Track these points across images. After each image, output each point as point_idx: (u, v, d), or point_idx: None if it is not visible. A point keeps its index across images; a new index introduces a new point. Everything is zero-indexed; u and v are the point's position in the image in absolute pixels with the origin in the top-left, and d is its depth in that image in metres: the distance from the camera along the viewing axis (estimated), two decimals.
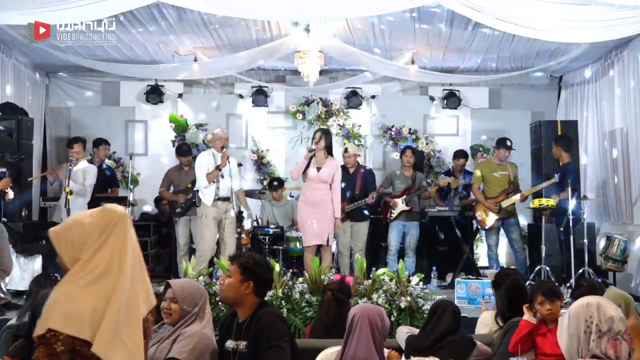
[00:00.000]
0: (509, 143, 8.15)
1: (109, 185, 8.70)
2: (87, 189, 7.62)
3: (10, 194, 6.55)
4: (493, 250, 8.17)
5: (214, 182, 7.15)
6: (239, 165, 8.00)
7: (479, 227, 8.31)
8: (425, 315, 4.92)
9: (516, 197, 7.94)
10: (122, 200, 8.43)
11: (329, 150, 7.04)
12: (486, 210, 7.99)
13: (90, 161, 8.66)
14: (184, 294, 3.61)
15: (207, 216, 7.23)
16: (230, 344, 3.46)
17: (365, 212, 7.83)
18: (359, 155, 8.26)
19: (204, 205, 7.24)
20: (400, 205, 8.03)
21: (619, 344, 2.37)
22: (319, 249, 7.01)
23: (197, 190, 7.33)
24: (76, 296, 2.18)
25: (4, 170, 6.50)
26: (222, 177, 7.17)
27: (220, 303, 5.59)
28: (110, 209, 2.33)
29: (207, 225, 7.23)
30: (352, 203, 7.62)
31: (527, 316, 3.83)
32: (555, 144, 7.99)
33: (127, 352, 2.23)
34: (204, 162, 7.24)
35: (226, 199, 7.23)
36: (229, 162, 7.21)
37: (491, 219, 7.98)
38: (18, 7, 5.95)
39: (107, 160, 9.20)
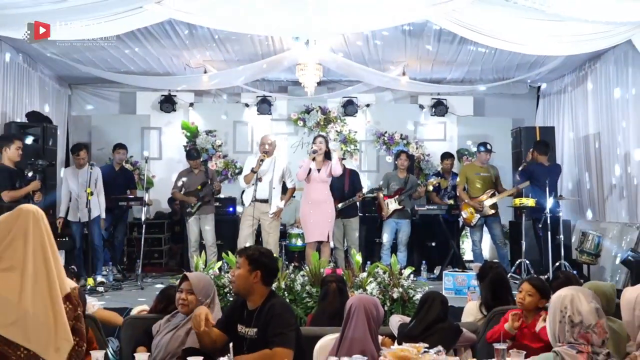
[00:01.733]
0: (489, 147, 8.17)
1: (127, 187, 8.66)
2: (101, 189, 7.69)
3: (39, 195, 6.56)
4: (477, 246, 8.16)
5: (252, 184, 7.01)
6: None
7: (465, 224, 8.30)
8: (415, 305, 4.89)
9: (498, 197, 7.96)
10: (139, 200, 8.48)
11: (326, 154, 7.07)
12: (471, 208, 7.98)
13: (110, 164, 8.67)
14: (200, 286, 3.63)
15: (244, 215, 7.21)
16: (240, 329, 3.46)
17: (355, 209, 7.86)
18: (344, 158, 8.28)
19: (245, 206, 7.24)
20: (393, 204, 8.02)
21: (590, 336, 2.35)
22: (319, 245, 7.02)
23: (243, 191, 7.33)
24: None
25: (34, 174, 6.50)
26: (260, 180, 6.99)
27: (227, 294, 5.59)
28: (19, 210, 2.34)
29: (242, 224, 7.20)
30: (342, 201, 7.62)
31: (507, 325, 3.76)
32: (533, 149, 7.99)
33: (46, 336, 2.26)
34: (248, 165, 7.20)
35: (264, 201, 7.10)
36: (273, 167, 7.07)
37: (475, 217, 7.98)
38: (23, 21, 5.90)
39: (125, 164, 9.20)
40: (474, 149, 9.81)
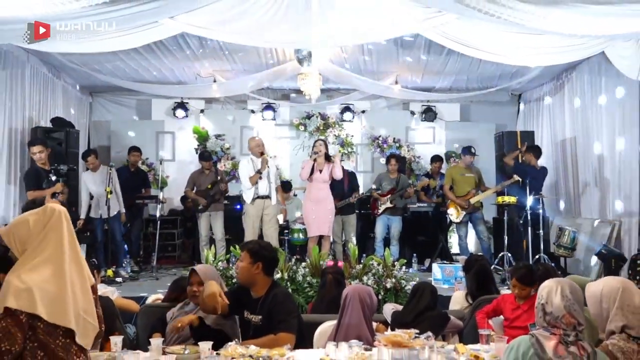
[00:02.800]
0: (472, 150, 8.17)
1: (142, 186, 8.66)
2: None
3: (63, 197, 6.60)
4: (463, 240, 8.15)
5: (255, 183, 7.09)
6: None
7: (451, 220, 8.30)
8: (407, 294, 4.90)
9: (482, 195, 7.96)
10: (154, 199, 8.47)
11: (326, 156, 7.10)
12: (457, 206, 7.98)
13: (126, 165, 8.65)
14: (207, 275, 3.64)
15: (247, 213, 7.22)
16: (247, 315, 3.47)
17: (352, 207, 7.88)
18: (342, 160, 8.31)
19: (246, 204, 7.24)
20: (385, 202, 8.02)
21: (559, 324, 2.37)
22: (320, 239, 7.03)
23: (242, 192, 7.33)
24: (26, 279, 2.22)
25: (57, 177, 6.52)
26: (261, 178, 7.10)
27: (235, 285, 5.59)
28: (50, 208, 2.39)
29: (246, 221, 7.22)
30: (342, 200, 7.62)
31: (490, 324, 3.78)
32: (526, 152, 7.93)
33: (83, 321, 2.31)
34: (246, 168, 7.21)
35: (265, 197, 7.15)
36: (268, 165, 7.13)
37: (461, 214, 7.98)
38: (60, 37, 5.88)
39: (141, 165, 9.19)
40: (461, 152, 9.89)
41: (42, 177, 6.58)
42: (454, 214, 8.02)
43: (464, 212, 7.94)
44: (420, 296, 3.84)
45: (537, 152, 7.87)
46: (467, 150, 8.18)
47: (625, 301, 2.51)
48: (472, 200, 7.91)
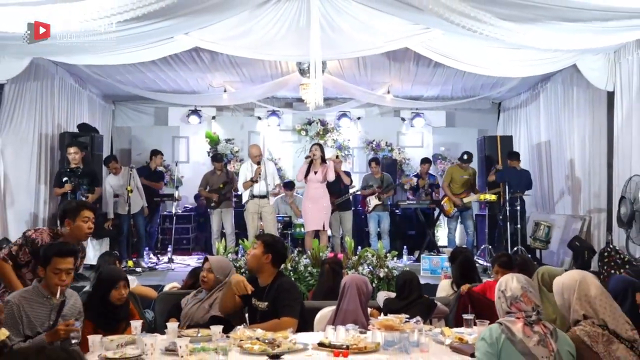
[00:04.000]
0: (465, 157, 8.15)
1: (159, 181, 8.67)
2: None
3: (92, 198, 6.70)
4: (452, 233, 8.17)
5: (250, 187, 7.13)
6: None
7: (444, 214, 8.29)
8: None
9: (474, 197, 8.00)
10: (170, 197, 8.47)
11: (322, 158, 7.09)
12: (451, 203, 8.00)
13: (146, 166, 8.63)
14: (217, 267, 3.64)
15: (247, 210, 7.24)
16: (254, 302, 3.47)
17: (349, 204, 7.88)
18: (342, 161, 8.31)
19: (245, 202, 7.28)
20: (374, 200, 8.04)
21: (520, 304, 2.42)
22: (317, 233, 7.03)
23: (241, 193, 7.38)
24: None
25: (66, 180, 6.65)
26: (257, 181, 7.10)
27: (244, 274, 5.60)
28: None
29: (247, 217, 7.25)
30: (339, 197, 7.62)
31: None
32: (509, 159, 7.84)
33: None
34: (243, 173, 7.26)
35: (262, 197, 7.16)
36: (260, 174, 7.09)
37: (453, 210, 8.02)
38: (86, 50, 5.89)
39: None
40: (447, 154, 10.01)
41: (66, 175, 6.71)
42: (447, 208, 8.03)
43: (456, 209, 7.98)
44: (410, 286, 3.84)
45: (516, 156, 7.86)
46: (467, 155, 8.19)
47: (582, 292, 2.52)
48: (465, 200, 7.96)
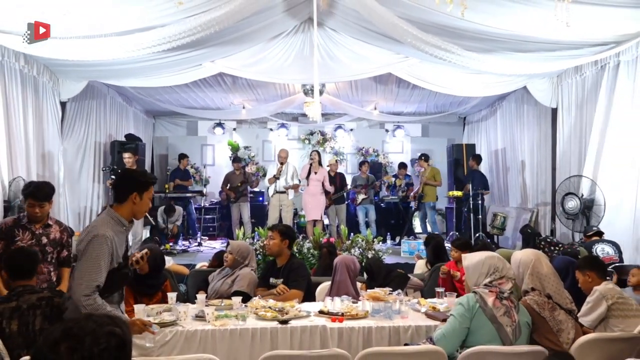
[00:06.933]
0: (422, 157, 8.22)
1: (187, 179, 8.66)
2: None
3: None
4: (423, 222, 8.15)
5: (274, 184, 7.13)
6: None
7: (420, 203, 8.25)
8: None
9: (453, 192, 7.97)
10: (199, 193, 8.46)
11: (319, 162, 7.23)
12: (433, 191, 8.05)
13: (178, 168, 8.59)
14: (236, 249, 3.62)
15: (271, 204, 7.22)
16: (272, 280, 3.48)
17: (343, 199, 7.87)
18: (337, 165, 8.28)
19: (270, 197, 7.26)
20: (361, 195, 8.03)
21: (502, 285, 2.39)
22: (315, 222, 7.10)
23: (268, 187, 7.37)
24: None
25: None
26: (278, 179, 7.12)
27: (258, 255, 5.59)
28: None
29: (270, 209, 7.25)
30: (335, 194, 7.62)
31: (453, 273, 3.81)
32: (472, 159, 7.90)
33: None
34: (270, 171, 7.29)
35: (282, 192, 7.15)
36: (287, 170, 7.14)
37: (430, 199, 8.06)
38: (131, 75, 5.87)
39: (188, 168, 9.18)
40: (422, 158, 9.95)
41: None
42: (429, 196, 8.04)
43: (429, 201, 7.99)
44: (378, 268, 3.79)
45: (479, 159, 7.87)
46: (425, 157, 8.23)
47: (535, 269, 2.52)
48: (451, 194, 8.04)
